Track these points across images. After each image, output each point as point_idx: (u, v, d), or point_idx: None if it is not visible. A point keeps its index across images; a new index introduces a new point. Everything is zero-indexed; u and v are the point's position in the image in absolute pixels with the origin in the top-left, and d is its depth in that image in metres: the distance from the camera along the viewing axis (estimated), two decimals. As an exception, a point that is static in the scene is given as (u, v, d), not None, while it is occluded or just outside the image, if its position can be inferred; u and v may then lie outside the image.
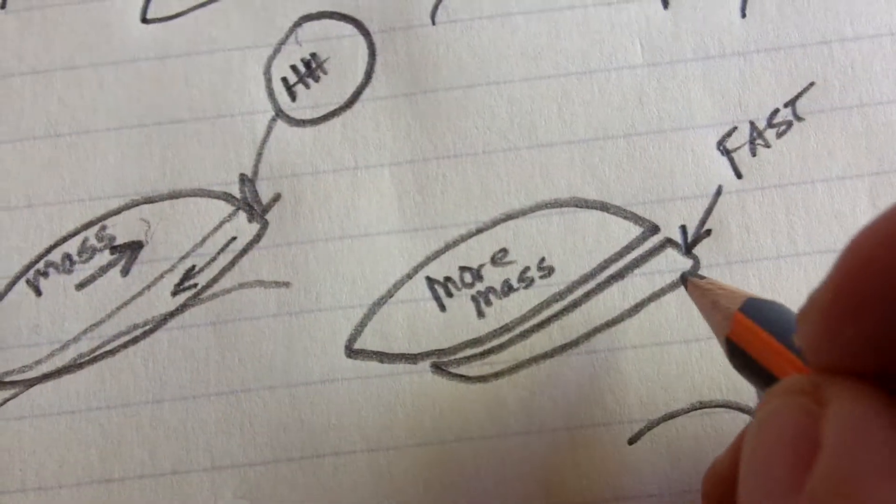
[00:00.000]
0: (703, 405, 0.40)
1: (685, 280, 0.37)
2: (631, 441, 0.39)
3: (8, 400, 0.41)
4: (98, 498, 0.40)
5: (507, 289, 0.41)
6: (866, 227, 0.21)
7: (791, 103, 0.42)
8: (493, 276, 0.41)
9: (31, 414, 0.41)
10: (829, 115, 0.42)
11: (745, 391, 0.40)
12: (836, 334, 0.22)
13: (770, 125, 0.42)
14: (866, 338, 0.22)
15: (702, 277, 0.37)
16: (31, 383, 0.41)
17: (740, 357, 0.32)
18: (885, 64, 0.43)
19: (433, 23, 0.44)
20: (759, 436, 0.23)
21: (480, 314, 0.41)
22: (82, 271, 0.42)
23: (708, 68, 0.43)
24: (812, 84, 0.43)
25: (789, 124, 0.42)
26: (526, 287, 0.41)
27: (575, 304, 0.41)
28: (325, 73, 0.44)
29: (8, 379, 0.41)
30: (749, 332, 0.31)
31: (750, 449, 0.24)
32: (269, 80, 0.44)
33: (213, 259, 0.42)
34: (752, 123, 0.42)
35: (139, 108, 0.44)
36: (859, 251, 0.21)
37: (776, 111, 0.42)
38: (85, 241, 0.43)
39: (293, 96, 0.44)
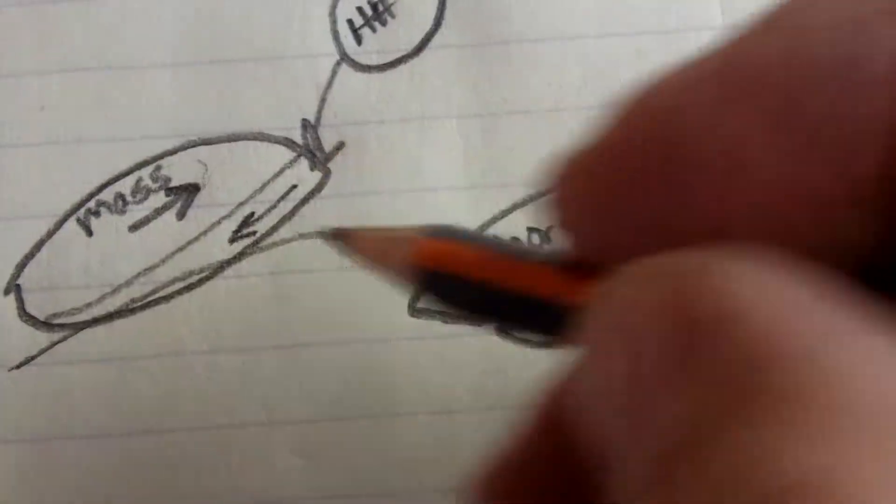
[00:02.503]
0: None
1: (339, 235, 0.28)
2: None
3: (57, 343, 0.39)
4: (148, 449, 0.38)
5: (577, 252, 0.40)
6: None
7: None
8: (563, 239, 0.40)
9: (81, 359, 0.39)
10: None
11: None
12: (615, 200, 0.18)
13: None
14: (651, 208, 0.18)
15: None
16: (80, 327, 0.39)
17: (439, 285, 0.24)
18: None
19: (506, -30, 0.42)
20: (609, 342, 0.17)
21: (548, 277, 0.40)
22: (136, 212, 0.40)
23: (790, 33, 0.41)
24: None
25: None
26: (596, 251, 0.40)
27: (645, 271, 0.39)
28: (393, 16, 0.42)
29: (57, 321, 0.39)
30: (445, 251, 0.23)
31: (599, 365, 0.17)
32: (334, 22, 0.41)
33: (273, 207, 0.40)
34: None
35: (195, 45, 0.41)
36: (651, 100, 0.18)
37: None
38: (139, 181, 0.40)
39: (359, 40, 0.41)
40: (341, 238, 0.28)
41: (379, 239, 0.27)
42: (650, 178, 0.18)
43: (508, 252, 0.22)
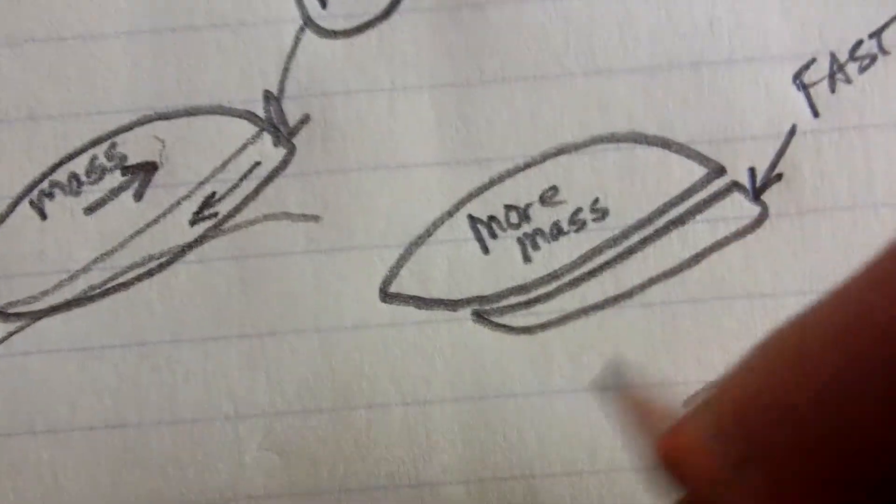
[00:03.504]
0: (764, 366, 0.36)
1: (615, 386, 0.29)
2: (686, 403, 0.36)
3: (13, 333, 0.37)
4: (113, 443, 0.36)
5: (557, 231, 0.37)
6: None
7: (877, 34, 0.37)
8: (542, 217, 0.37)
9: (39, 350, 0.37)
10: (919, 50, 0.38)
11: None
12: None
13: (852, 58, 0.37)
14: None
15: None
16: (37, 316, 0.37)
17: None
18: (980, -10, 0.38)
19: (481, -76, 0.39)
20: None
21: (527, 258, 0.37)
22: (91, 193, 0.38)
23: (787, -9, 0.38)
24: (901, 13, 0.38)
25: (874, 58, 0.37)
26: (577, 230, 0.37)
27: (630, 251, 0.37)
28: (360, -23, 0.39)
29: (12, 310, 0.37)
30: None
31: None
32: (296, -16, 0.39)
33: (236, 186, 0.37)
34: (832, 55, 0.37)
35: (152, 12, 0.38)
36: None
37: (860, 43, 0.37)
38: (94, 159, 0.38)
39: (323, 3, 0.38)
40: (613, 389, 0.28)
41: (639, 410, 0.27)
42: None
43: None
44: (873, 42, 0.37)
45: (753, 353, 0.20)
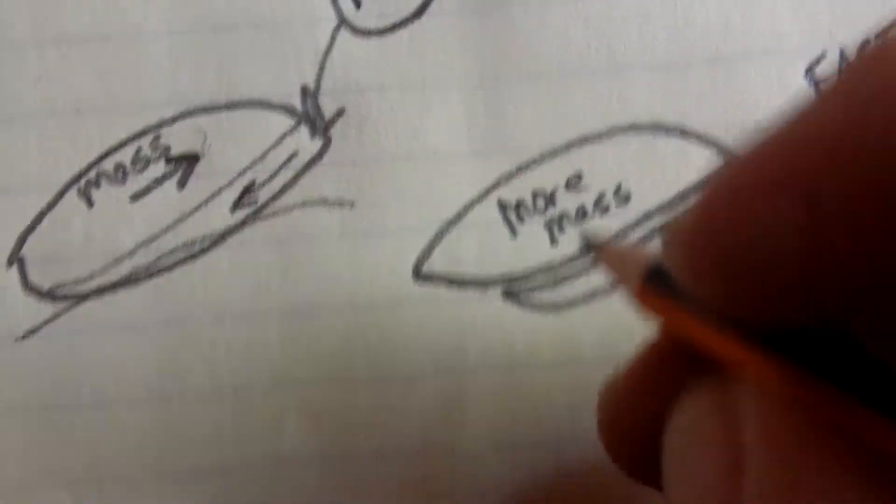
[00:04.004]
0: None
1: (592, 247, 0.32)
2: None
3: (61, 314, 0.38)
4: (157, 416, 0.38)
5: (582, 215, 0.39)
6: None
7: (883, 31, 0.40)
8: (567, 202, 0.39)
9: (86, 329, 0.38)
10: (920, 46, 0.40)
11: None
12: (715, 262, 0.20)
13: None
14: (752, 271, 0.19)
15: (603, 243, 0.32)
16: (84, 297, 0.39)
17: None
18: (974, -7, 0.40)
19: (506, -68, 0.41)
20: (679, 448, 0.22)
21: (553, 240, 0.39)
22: (136, 182, 0.39)
23: (795, -8, 0.40)
24: (902, 12, 0.40)
25: (878, 54, 0.40)
26: (601, 214, 0.39)
27: (652, 234, 0.39)
28: (392, -20, 0.41)
29: (61, 292, 0.39)
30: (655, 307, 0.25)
31: (672, 457, 0.22)
32: (332, -14, 0.41)
33: (274, 175, 0.39)
34: (841, 51, 0.40)
35: (192, 12, 0.40)
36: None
37: (868, 39, 0.40)
38: (138, 150, 0.40)
39: (358, 3, 0.40)
40: (591, 247, 0.32)
41: (616, 258, 0.29)
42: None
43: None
44: (880, 39, 0.40)
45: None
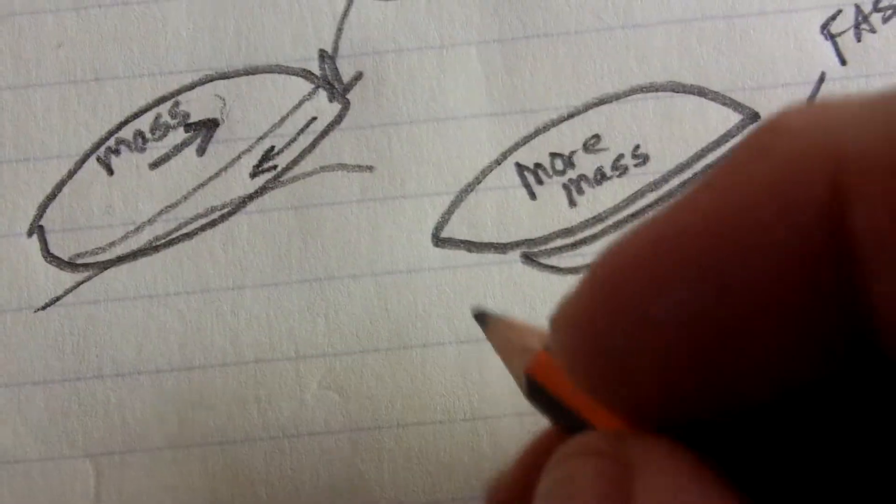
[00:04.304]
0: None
1: (480, 318, 0.31)
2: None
3: (81, 283, 0.39)
4: (178, 385, 0.38)
5: (600, 177, 0.39)
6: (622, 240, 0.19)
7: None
8: (586, 164, 0.39)
9: (107, 298, 0.38)
10: (940, 1, 0.39)
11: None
12: (595, 346, 0.20)
13: (876, 9, 0.39)
14: (632, 356, 0.19)
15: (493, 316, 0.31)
16: (105, 266, 0.39)
17: (540, 396, 0.26)
18: None
19: None
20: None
21: (572, 203, 0.39)
22: (156, 150, 0.39)
23: (814, -53, 0.40)
24: (922, -33, 0.40)
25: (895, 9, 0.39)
26: (620, 175, 0.39)
27: (671, 195, 0.39)
28: (408, -57, 0.41)
29: (81, 261, 0.39)
30: (551, 370, 0.26)
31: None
32: (348, -50, 0.41)
33: (293, 140, 0.39)
34: (857, 7, 0.39)
35: (210, -22, 0.40)
36: (617, 259, 0.19)
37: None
38: (158, 117, 0.40)
39: (373, -32, 0.40)
40: (481, 319, 0.30)
41: (507, 334, 0.28)
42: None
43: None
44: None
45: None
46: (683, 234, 0.18)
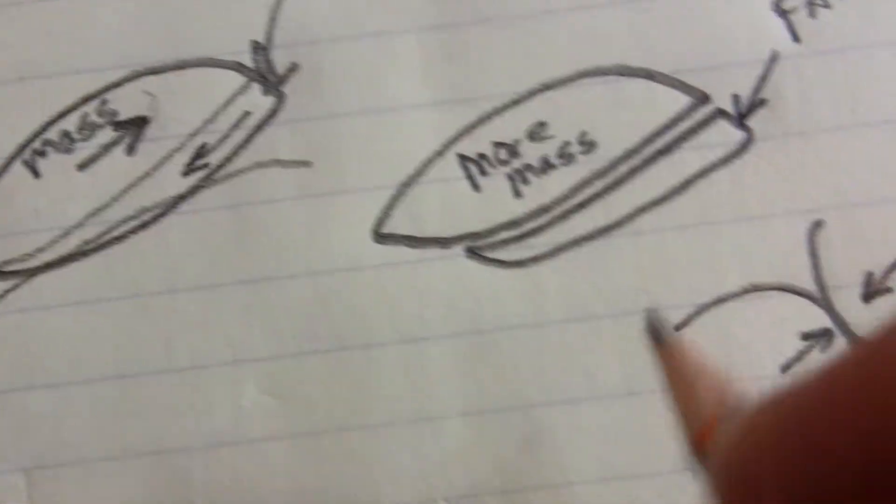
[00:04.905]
0: (755, 288, 0.36)
1: (655, 332, 0.26)
2: (679, 327, 0.36)
3: (9, 291, 0.37)
4: (113, 395, 0.36)
5: (546, 165, 0.37)
6: None
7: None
8: (531, 152, 0.37)
9: (36, 306, 0.37)
10: (895, -28, 0.38)
11: (802, 273, 0.36)
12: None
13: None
14: None
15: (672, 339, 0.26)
16: (33, 272, 0.37)
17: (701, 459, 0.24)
18: (953, -86, 0.38)
19: None
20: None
21: (517, 194, 0.37)
22: (83, 150, 0.38)
23: (763, -81, 0.38)
24: (876, -63, 0.38)
25: (851, -18, 0.38)
26: (566, 163, 0.37)
27: (619, 182, 0.37)
28: (342, -75, 0.39)
29: (8, 269, 0.37)
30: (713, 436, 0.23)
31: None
32: (280, -67, 0.39)
33: (226, 136, 0.38)
34: (810, -15, 0.38)
35: (137, -32, 0.39)
36: None
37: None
38: (85, 116, 0.38)
39: (307, -46, 0.39)
40: (657, 338, 0.26)
41: (687, 372, 0.25)
42: None
43: None
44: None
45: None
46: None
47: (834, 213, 0.36)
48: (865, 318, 0.36)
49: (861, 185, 0.36)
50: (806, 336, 0.36)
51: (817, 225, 0.36)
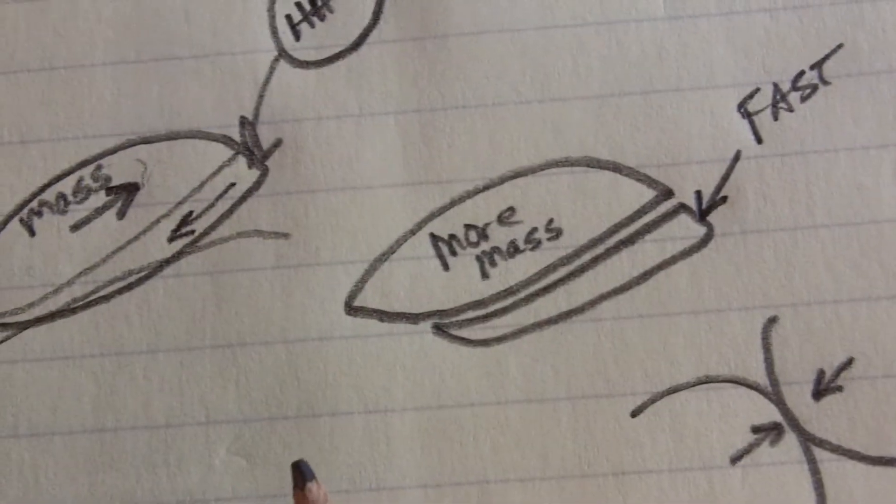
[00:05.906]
0: (709, 379, 0.37)
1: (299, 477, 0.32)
2: (634, 414, 0.37)
3: (0, 342, 0.39)
4: (91, 447, 0.38)
5: (514, 250, 0.38)
6: None
7: (818, 66, 0.39)
8: (499, 236, 0.39)
9: (24, 358, 0.38)
10: (857, 80, 0.39)
11: (754, 367, 0.37)
12: None
13: (794, 88, 0.39)
14: None
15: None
16: (23, 326, 0.39)
17: None
18: (918, 24, 0.39)
19: (446, -38, 0.40)
20: None
21: (485, 275, 0.38)
22: (77, 212, 0.39)
23: (732, 25, 0.39)
24: (840, 46, 0.39)
25: (815, 88, 0.39)
26: (533, 249, 0.38)
27: (582, 269, 0.38)
28: (332, 11, 0.40)
29: (0, 321, 0.39)
30: None
31: None
32: (272, 18, 0.40)
33: (212, 205, 0.39)
34: (775, 85, 0.39)
35: (137, 43, 0.40)
36: None
37: (801, 73, 0.39)
38: (80, 180, 0.40)
39: (297, 35, 0.40)
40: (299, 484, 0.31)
41: None
42: None
43: None
44: (814, 73, 0.39)
45: None
46: None
47: (788, 310, 0.37)
48: (815, 415, 0.37)
49: (815, 284, 0.37)
50: (756, 429, 0.37)
51: (772, 321, 0.37)
